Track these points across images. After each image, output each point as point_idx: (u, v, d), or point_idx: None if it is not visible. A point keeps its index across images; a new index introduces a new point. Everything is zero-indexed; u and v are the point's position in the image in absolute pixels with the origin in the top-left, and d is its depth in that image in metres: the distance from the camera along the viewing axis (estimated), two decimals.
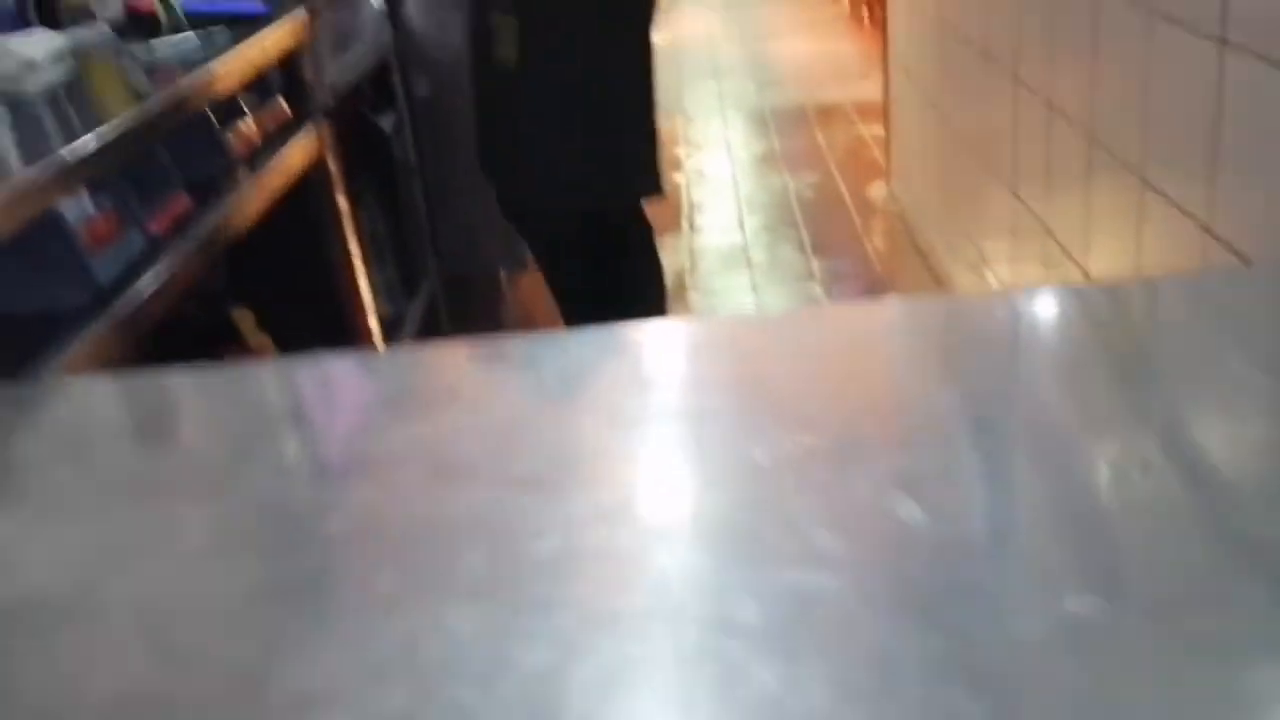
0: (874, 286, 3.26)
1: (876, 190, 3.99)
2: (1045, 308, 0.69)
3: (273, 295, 2.22)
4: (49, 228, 1.29)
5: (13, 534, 0.51)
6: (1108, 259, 1.84)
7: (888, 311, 0.81)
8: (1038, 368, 0.59)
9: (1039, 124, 2.09)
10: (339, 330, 2.33)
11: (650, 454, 0.52)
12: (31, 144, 1.47)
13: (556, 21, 2.05)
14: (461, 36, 2.61)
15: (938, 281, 3.17)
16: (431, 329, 2.97)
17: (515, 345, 0.67)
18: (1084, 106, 1.85)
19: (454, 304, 3.11)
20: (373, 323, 2.40)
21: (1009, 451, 0.50)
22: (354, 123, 2.51)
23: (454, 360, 0.70)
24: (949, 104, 2.92)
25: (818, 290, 3.24)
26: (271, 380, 0.72)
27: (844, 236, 3.63)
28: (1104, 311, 0.66)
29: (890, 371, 0.61)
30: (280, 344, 2.23)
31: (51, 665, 0.40)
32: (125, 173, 1.47)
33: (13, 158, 1.36)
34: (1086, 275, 1.92)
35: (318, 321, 2.33)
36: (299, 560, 0.46)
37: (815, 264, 3.41)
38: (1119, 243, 1.79)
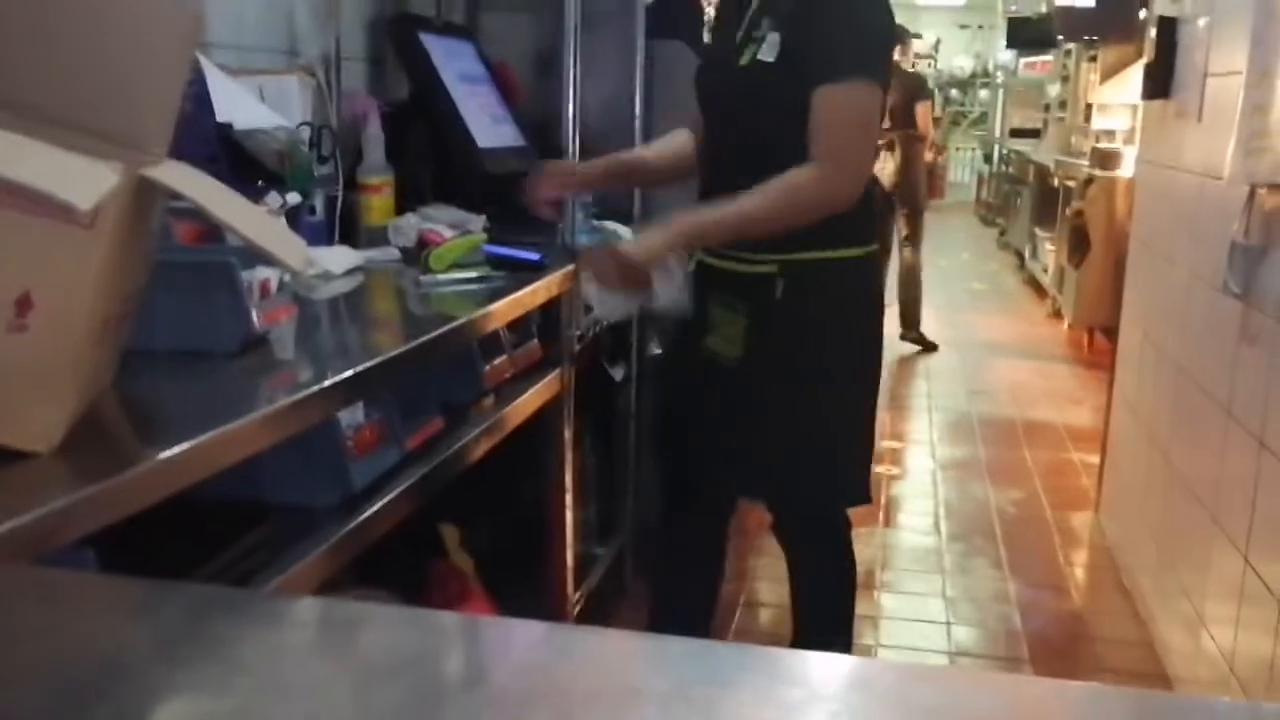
0: (1072, 622, 3.12)
1: (1082, 519, 3.87)
2: None
3: (481, 516, 2.30)
4: (323, 431, 1.39)
5: None
6: None
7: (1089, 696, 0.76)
8: None
9: None
10: (536, 562, 2.37)
11: None
12: (320, 353, 1.61)
13: (794, 322, 2.01)
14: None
15: (1141, 627, 3.01)
16: (618, 573, 3.00)
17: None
18: None
19: (642, 552, 3.13)
20: (569, 559, 2.44)
21: None
22: (589, 368, 2.63)
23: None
24: (1177, 450, 2.85)
25: (1014, 616, 3.11)
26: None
27: (1044, 561, 3.51)
28: None
29: None
30: (481, 565, 2.29)
31: None
32: (394, 389, 1.59)
33: (305, 363, 1.50)
34: None
35: (518, 550, 2.38)
36: None
37: (1011, 586, 3.30)
38: None
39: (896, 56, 6.57)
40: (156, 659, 0.70)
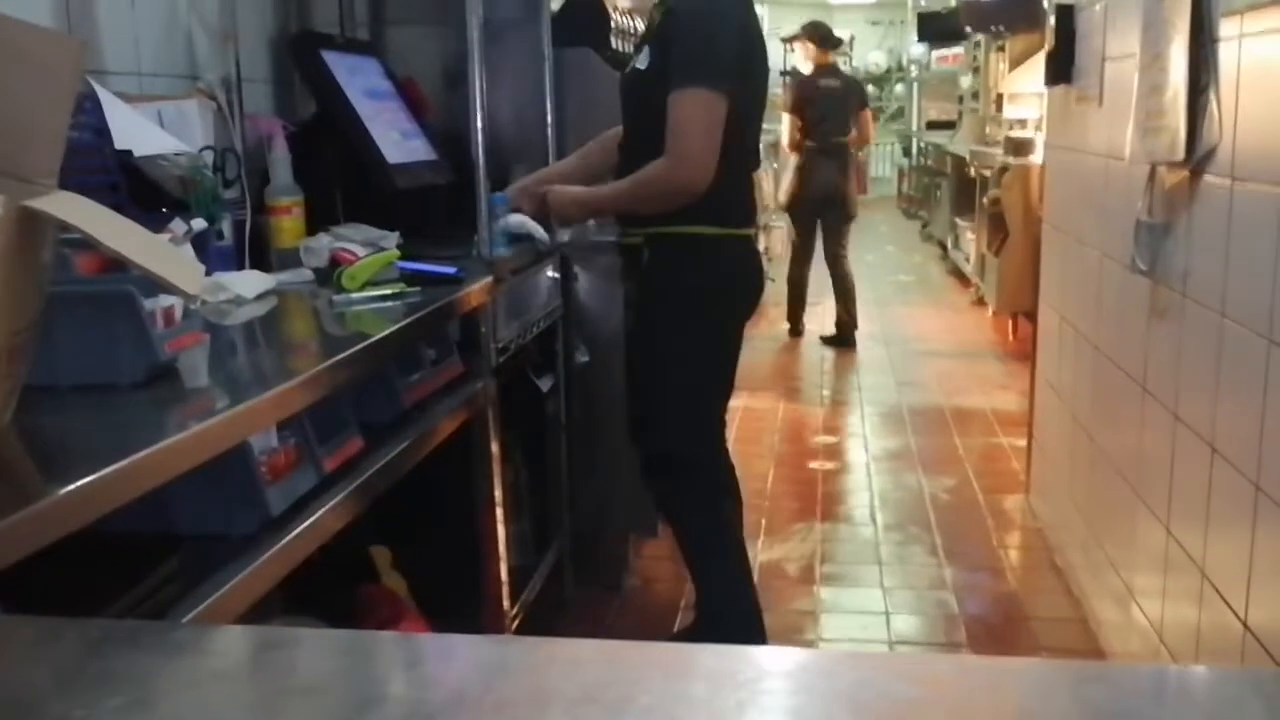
0: (1007, 604, 3.16)
1: (1014, 502, 3.93)
2: (1216, 693, 0.66)
3: (412, 536, 2.27)
4: (235, 457, 1.36)
5: None
6: (1271, 608, 1.77)
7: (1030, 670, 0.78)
8: None
9: (1200, 464, 2.06)
10: (471, 578, 2.35)
11: None
12: (232, 377, 1.58)
13: (659, 288, 2.46)
14: (623, 317, 2.79)
15: (1075, 604, 3.06)
16: (556, 585, 2.99)
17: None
18: (1250, 452, 1.83)
19: (580, 561, 3.13)
20: (503, 573, 2.42)
21: None
22: (514, 379, 2.62)
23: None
24: (1099, 429, 2.90)
25: (951, 601, 3.15)
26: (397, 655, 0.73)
27: (978, 546, 3.56)
28: None
29: None
30: (414, 586, 2.27)
31: None
32: (309, 411, 1.56)
33: (215, 390, 1.47)
34: (1245, 624, 1.84)
35: (452, 567, 2.36)
36: None
37: (948, 572, 3.34)
38: None
39: (831, 59, 6.68)
40: (55, 695, 0.68)
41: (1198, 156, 2.05)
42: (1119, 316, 2.69)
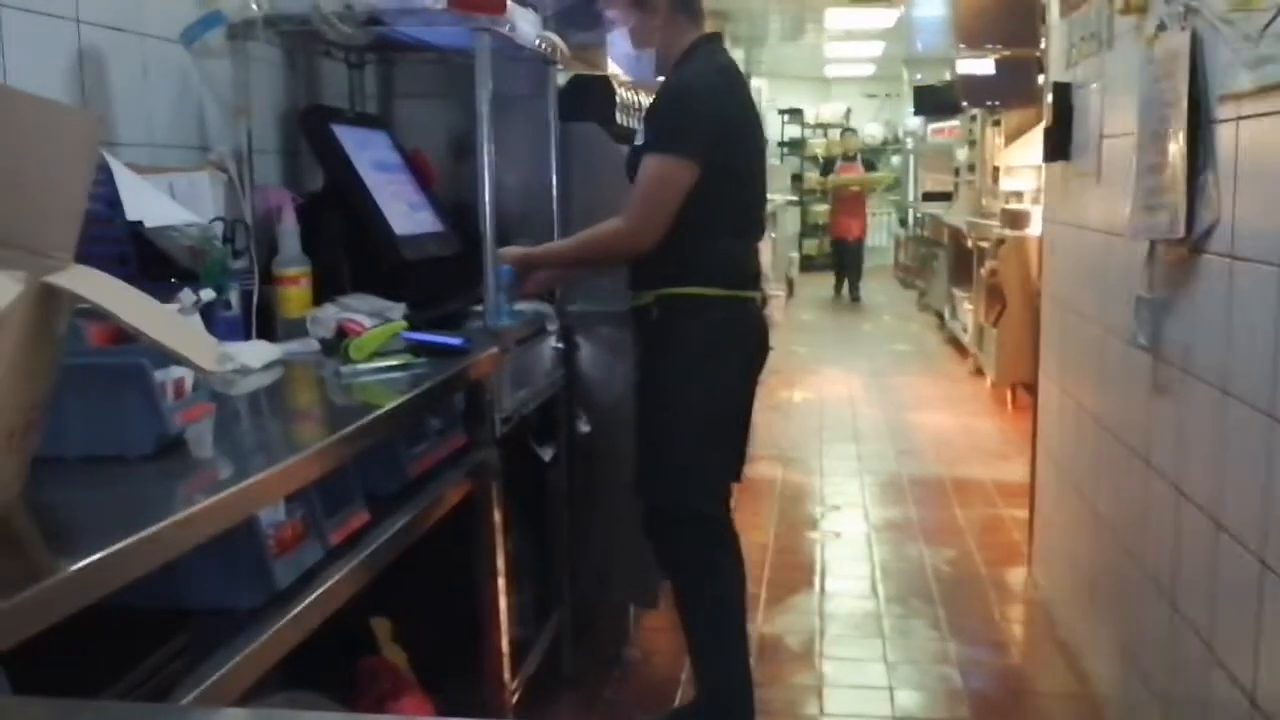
0: (1012, 679, 3.13)
1: (1016, 575, 3.91)
2: None
3: (413, 608, 2.25)
4: (243, 530, 1.36)
5: None
6: (1278, 684, 1.75)
7: None
8: None
9: (1204, 538, 2.05)
10: (472, 652, 2.33)
11: None
12: (241, 449, 1.58)
13: (663, 345, 2.55)
14: (625, 387, 2.81)
15: (1080, 679, 3.03)
16: (556, 657, 2.96)
17: None
18: (1256, 527, 1.82)
19: (580, 633, 3.10)
20: (504, 645, 2.40)
21: None
22: (516, 448, 2.62)
23: None
24: (1102, 502, 2.90)
25: (954, 676, 3.12)
26: None
27: (981, 619, 3.53)
28: None
29: None
30: (414, 658, 2.25)
31: None
32: (316, 484, 1.56)
33: (224, 462, 1.47)
34: (1253, 701, 1.83)
35: (452, 639, 2.34)
36: None
37: (951, 646, 3.31)
38: None
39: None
40: None
41: (1197, 234, 2.08)
42: (1120, 390, 2.70)
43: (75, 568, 0.99)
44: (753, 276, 2.63)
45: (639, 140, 2.52)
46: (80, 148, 1.12)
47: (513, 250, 2.53)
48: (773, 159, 14.24)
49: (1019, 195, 6.75)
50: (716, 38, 2.62)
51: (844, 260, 13.05)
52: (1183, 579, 2.21)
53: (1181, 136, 2.09)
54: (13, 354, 0.94)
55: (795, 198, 14.24)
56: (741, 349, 2.60)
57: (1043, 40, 4.05)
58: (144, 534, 1.08)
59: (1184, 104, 2.08)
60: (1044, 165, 3.76)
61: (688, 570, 2.62)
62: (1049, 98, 3.34)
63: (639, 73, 3.71)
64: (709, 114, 2.43)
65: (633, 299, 2.60)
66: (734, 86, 2.57)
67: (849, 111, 16.43)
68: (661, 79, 2.64)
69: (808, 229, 15.35)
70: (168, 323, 1.12)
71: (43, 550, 1.14)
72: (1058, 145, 3.26)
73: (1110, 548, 2.78)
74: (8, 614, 0.91)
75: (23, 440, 1.06)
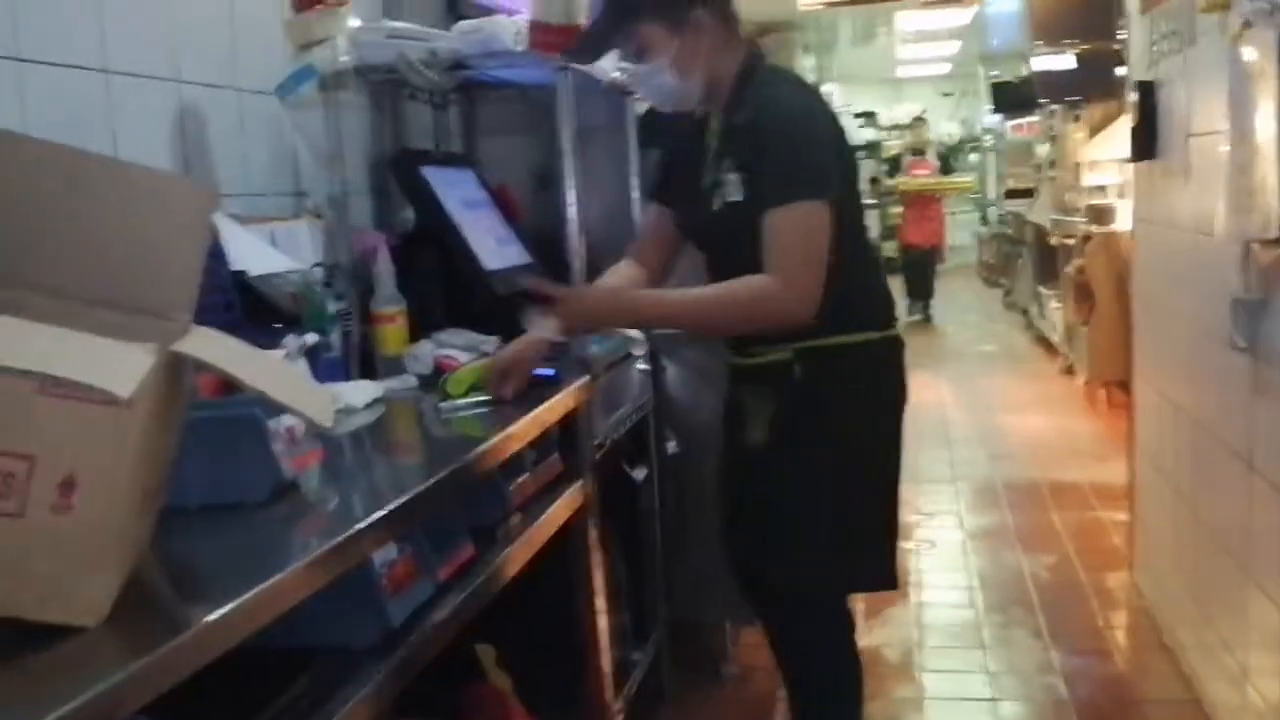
0: (1118, 687, 3.09)
1: (1117, 579, 3.84)
2: None
3: (515, 632, 2.30)
4: (358, 571, 1.41)
5: None
6: None
7: None
8: None
9: None
10: (574, 674, 2.37)
11: None
12: (352, 490, 1.64)
13: (813, 406, 2.10)
14: (712, 407, 2.76)
15: (1187, 686, 2.98)
16: (655, 676, 2.99)
17: None
18: None
19: (679, 652, 3.12)
20: (606, 666, 2.44)
21: None
22: (608, 471, 2.66)
23: None
24: (1204, 504, 2.85)
25: (1059, 686, 3.08)
26: None
27: (1083, 626, 3.48)
28: None
29: None
30: (518, 683, 2.29)
31: None
32: (423, 521, 1.61)
33: (338, 505, 1.53)
34: None
35: (554, 663, 2.38)
36: None
37: (1054, 655, 3.27)
38: None
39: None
40: None
41: None
42: (1218, 392, 2.65)
43: (209, 619, 1.04)
44: (893, 306, 2.28)
45: (733, 194, 2.06)
46: (196, 219, 1.19)
47: (584, 301, 2.13)
48: None
49: (1102, 190, 6.64)
50: (759, 48, 2.21)
51: (911, 270, 11.12)
52: None
53: (1273, 134, 2.06)
54: (147, 420, 1.00)
55: (874, 201, 14.11)
56: (903, 394, 2.21)
57: (1120, 33, 4.00)
58: (270, 582, 1.13)
59: (1274, 102, 2.05)
60: (1132, 164, 3.70)
61: (816, 665, 2.29)
62: (1133, 96, 3.29)
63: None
64: (824, 143, 2.05)
65: (752, 355, 2.15)
66: (824, 101, 2.23)
67: (924, 112, 16.28)
68: (706, 108, 2.18)
69: (886, 231, 15.23)
70: (284, 379, 1.17)
71: (176, 602, 1.20)
72: (1144, 144, 3.22)
73: (1213, 551, 2.72)
74: (150, 668, 0.96)
75: (155, 499, 1.12)
